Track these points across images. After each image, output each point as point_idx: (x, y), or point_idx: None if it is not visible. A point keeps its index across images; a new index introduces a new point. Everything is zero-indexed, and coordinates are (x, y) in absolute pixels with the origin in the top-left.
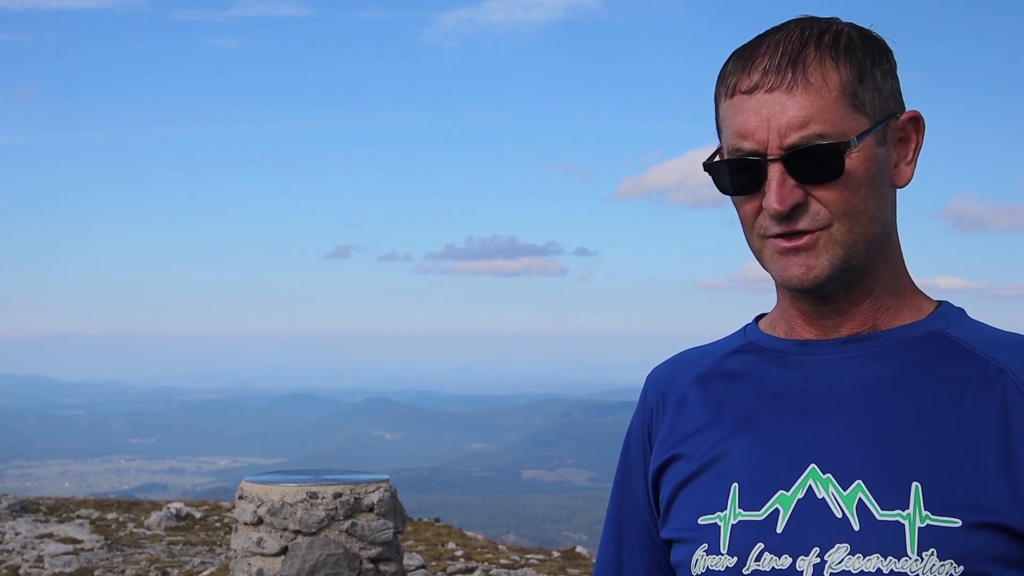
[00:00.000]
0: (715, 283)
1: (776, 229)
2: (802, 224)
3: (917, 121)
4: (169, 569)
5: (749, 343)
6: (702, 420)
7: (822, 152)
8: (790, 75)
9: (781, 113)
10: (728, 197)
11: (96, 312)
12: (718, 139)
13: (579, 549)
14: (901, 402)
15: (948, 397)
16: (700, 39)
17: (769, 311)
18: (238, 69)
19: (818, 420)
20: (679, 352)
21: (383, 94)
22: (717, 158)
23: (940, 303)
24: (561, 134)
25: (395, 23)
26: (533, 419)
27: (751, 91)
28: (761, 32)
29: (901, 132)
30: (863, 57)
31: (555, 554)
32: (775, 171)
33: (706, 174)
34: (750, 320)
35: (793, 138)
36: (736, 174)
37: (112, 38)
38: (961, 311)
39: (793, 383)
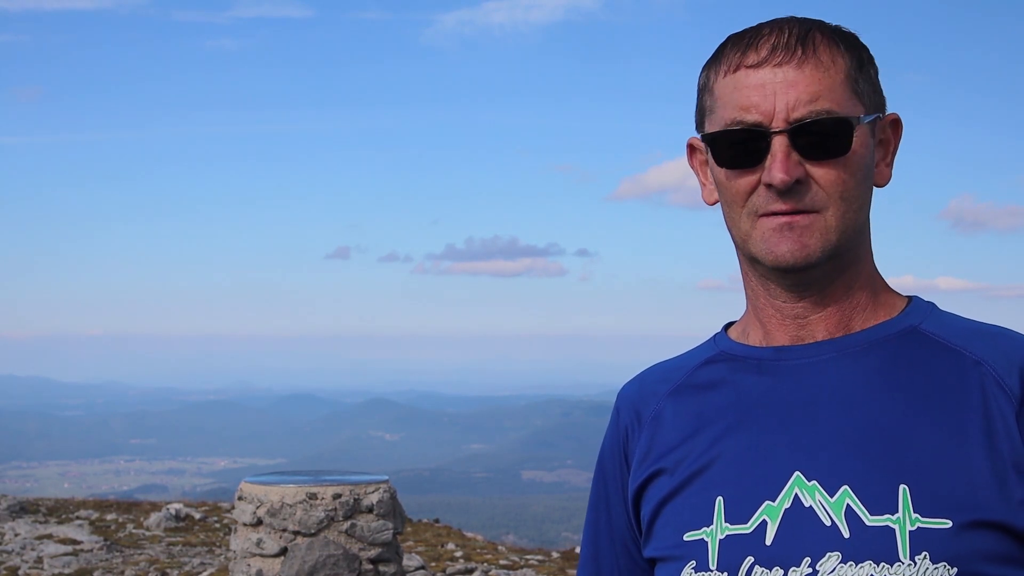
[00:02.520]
0: (715, 283)
1: (773, 206)
2: (800, 204)
3: (897, 124)
4: (169, 570)
5: (721, 352)
6: (680, 434)
7: (831, 127)
8: (800, 51)
9: (790, 87)
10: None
11: (96, 313)
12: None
13: (578, 550)
14: (881, 403)
15: (928, 394)
16: (700, 40)
17: (737, 319)
18: (238, 70)
19: (799, 426)
20: (647, 368)
21: (383, 94)
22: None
23: (910, 299)
24: (561, 135)
25: (395, 24)
26: (533, 420)
27: (758, 65)
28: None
29: (883, 133)
30: (861, 50)
31: (554, 555)
32: (780, 143)
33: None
34: (719, 329)
35: (801, 112)
36: (736, 146)
37: (113, 39)
38: (932, 305)
39: (770, 390)
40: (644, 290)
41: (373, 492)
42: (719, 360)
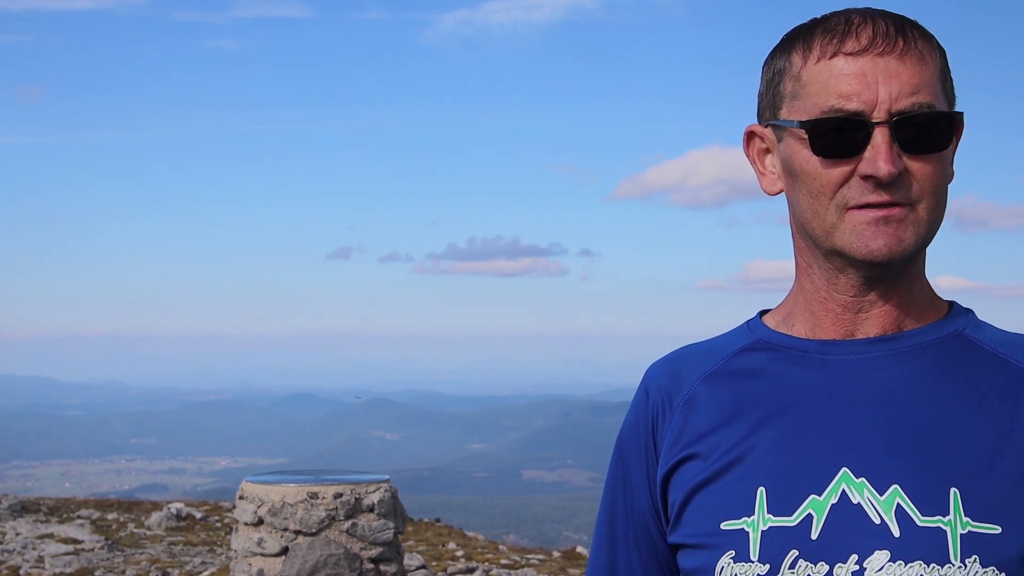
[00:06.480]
0: (716, 283)
1: (870, 198)
2: (896, 196)
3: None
4: (170, 569)
5: (760, 340)
6: (716, 420)
7: (934, 120)
8: (902, 43)
9: (892, 77)
10: (730, 198)
11: (97, 312)
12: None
13: (579, 549)
14: (931, 405)
15: (977, 401)
16: (700, 40)
17: (773, 308)
18: (238, 70)
19: (845, 422)
20: (679, 348)
21: (383, 95)
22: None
23: (951, 303)
24: (561, 135)
25: (395, 24)
26: (533, 419)
27: (859, 53)
28: (816, 17)
29: None
30: (942, 49)
31: (555, 554)
32: (882, 134)
33: (709, 172)
34: (753, 316)
35: (904, 103)
36: (833, 133)
37: (113, 39)
38: (971, 311)
39: (816, 383)
40: (644, 290)
41: (374, 492)
42: (759, 348)
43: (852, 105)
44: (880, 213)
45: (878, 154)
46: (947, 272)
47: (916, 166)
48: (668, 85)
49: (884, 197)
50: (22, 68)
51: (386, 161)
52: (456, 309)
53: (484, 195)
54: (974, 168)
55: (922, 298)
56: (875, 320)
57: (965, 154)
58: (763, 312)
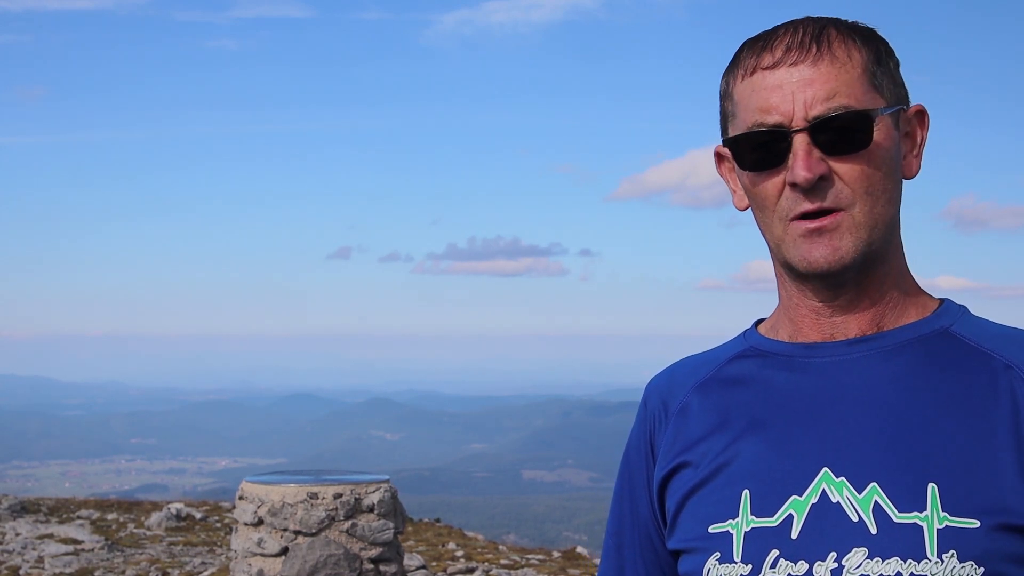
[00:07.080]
0: (715, 283)
1: (801, 207)
2: (826, 202)
3: (922, 115)
4: (169, 570)
5: (751, 348)
6: (707, 427)
7: (850, 121)
8: (815, 49)
9: (806, 85)
10: (729, 198)
11: (97, 312)
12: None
13: (579, 549)
14: (911, 402)
15: (957, 396)
16: (700, 40)
17: (768, 316)
18: (238, 70)
19: (827, 423)
20: (677, 360)
21: (383, 95)
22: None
23: (942, 301)
24: (561, 135)
25: (395, 24)
26: (533, 419)
27: (773, 66)
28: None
29: (908, 125)
30: (879, 44)
31: (555, 554)
32: (801, 141)
33: (709, 172)
34: (749, 324)
35: (819, 109)
36: (758, 148)
37: (113, 39)
38: (963, 308)
39: (800, 386)
40: (645, 290)
41: (374, 492)
42: (749, 356)
43: (772, 118)
44: (813, 225)
45: (796, 160)
46: (947, 272)
47: (843, 168)
48: (668, 85)
49: (815, 204)
50: (22, 68)
51: (386, 161)
52: (456, 309)
53: (484, 195)
54: (974, 168)
55: (901, 296)
56: (852, 322)
57: (966, 154)
58: (759, 321)
